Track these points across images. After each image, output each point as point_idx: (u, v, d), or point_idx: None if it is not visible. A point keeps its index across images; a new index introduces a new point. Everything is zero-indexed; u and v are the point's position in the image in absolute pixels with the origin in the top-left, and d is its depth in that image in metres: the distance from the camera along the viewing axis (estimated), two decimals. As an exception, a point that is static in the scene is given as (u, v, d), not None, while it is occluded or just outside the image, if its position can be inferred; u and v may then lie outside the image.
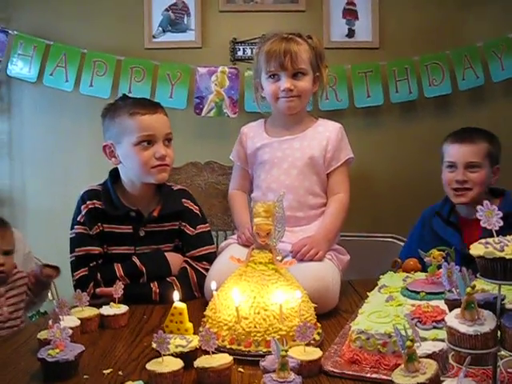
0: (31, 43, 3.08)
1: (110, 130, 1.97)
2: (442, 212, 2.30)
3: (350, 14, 3.19)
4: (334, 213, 2.04)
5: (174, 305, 1.44)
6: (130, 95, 2.14)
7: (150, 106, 1.97)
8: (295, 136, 2.08)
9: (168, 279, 1.91)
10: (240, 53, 3.15)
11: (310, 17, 3.17)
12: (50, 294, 2.51)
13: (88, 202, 1.97)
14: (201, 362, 1.27)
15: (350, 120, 2.98)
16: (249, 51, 3.14)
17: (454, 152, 2.25)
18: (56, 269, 1.94)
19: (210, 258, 1.97)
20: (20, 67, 3.11)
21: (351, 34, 3.19)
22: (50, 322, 1.46)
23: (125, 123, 1.92)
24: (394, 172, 3.19)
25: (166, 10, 3.17)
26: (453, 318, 1.03)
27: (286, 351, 1.19)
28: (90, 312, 1.64)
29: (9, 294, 1.91)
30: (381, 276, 1.78)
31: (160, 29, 3.18)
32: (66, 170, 3.29)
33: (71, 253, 1.96)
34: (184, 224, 2.01)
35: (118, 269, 1.90)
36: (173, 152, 1.99)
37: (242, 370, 1.34)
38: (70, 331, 1.35)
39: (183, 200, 2.05)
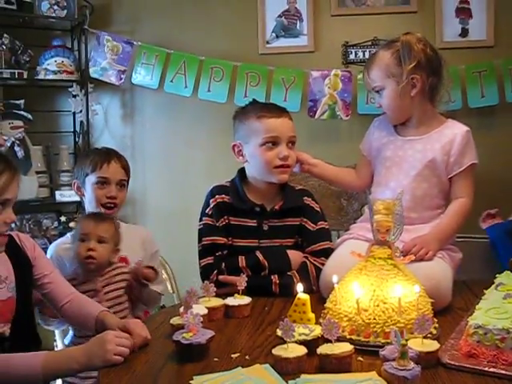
0: (153, 53, 3.28)
1: (239, 131, 2.11)
2: None
3: (464, 12, 3.16)
4: (452, 215, 2.04)
5: (298, 296, 1.53)
6: (258, 100, 2.26)
7: (276, 110, 2.10)
8: (419, 137, 2.09)
9: (288, 273, 2.01)
10: (352, 56, 3.21)
11: (422, 17, 3.17)
12: (170, 287, 2.68)
13: (217, 196, 2.11)
14: (323, 349, 1.34)
15: (463, 121, 2.93)
16: (361, 54, 3.19)
17: None
18: (154, 271, 2.06)
19: (328, 254, 2.04)
20: (143, 75, 3.33)
21: (464, 33, 3.16)
22: (181, 309, 1.59)
23: (252, 125, 2.05)
24: (510, 174, 3.12)
25: (279, 16, 3.28)
26: None
27: (407, 340, 1.24)
28: (216, 302, 1.75)
29: (106, 289, 1.99)
30: (497, 275, 1.77)
31: (273, 34, 3.29)
32: (184, 170, 3.47)
33: (199, 242, 2.10)
34: (305, 220, 2.11)
35: (242, 260, 2.01)
36: (295, 154, 2.10)
37: (361, 359, 1.40)
38: (202, 317, 1.47)
39: (304, 198, 2.15)
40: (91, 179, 2.18)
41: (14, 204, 1.57)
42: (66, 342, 2.12)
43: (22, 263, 1.68)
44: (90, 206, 2.21)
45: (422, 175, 2.05)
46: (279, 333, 1.39)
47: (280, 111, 2.09)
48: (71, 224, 3.30)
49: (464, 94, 3.04)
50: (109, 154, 2.23)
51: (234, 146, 2.11)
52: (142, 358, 1.46)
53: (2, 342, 1.58)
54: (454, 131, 2.07)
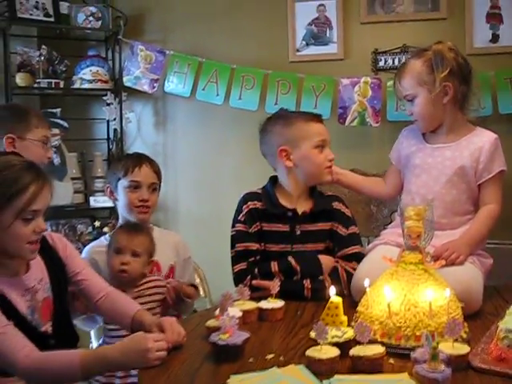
0: (185, 61, 3.35)
1: (284, 136, 2.13)
2: None
3: (495, 18, 3.14)
4: (481, 221, 2.06)
5: (331, 299, 1.57)
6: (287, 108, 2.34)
7: (317, 116, 2.20)
8: (448, 145, 2.12)
9: (320, 277, 2.04)
10: (382, 63, 3.23)
11: (452, 24, 3.17)
12: (202, 291, 2.73)
13: (249, 203, 2.16)
14: (356, 351, 1.38)
15: (493, 127, 2.93)
16: (390, 61, 3.21)
17: None
18: (196, 288, 2.12)
19: (359, 258, 2.08)
20: (175, 84, 3.40)
21: (495, 38, 3.15)
22: (217, 312, 1.64)
23: (303, 129, 2.12)
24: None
25: (309, 24, 3.32)
26: None
27: (438, 343, 1.27)
28: (250, 305, 1.80)
29: (139, 301, 1.97)
30: (528, 281, 1.79)
31: (304, 42, 3.33)
32: (215, 177, 3.53)
33: (232, 248, 2.14)
34: (336, 225, 2.15)
35: (274, 266, 2.05)
36: None
37: (392, 361, 1.43)
38: (238, 319, 1.52)
39: (335, 203, 2.19)
40: (123, 183, 2.23)
41: (45, 212, 1.61)
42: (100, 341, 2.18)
43: (55, 263, 1.74)
44: (123, 211, 2.26)
45: (451, 182, 2.08)
46: (313, 335, 1.43)
47: (320, 117, 2.20)
48: (105, 229, 3.39)
49: (494, 100, 3.03)
50: (140, 159, 2.29)
51: (282, 150, 2.13)
52: (179, 358, 1.51)
53: (47, 339, 1.64)
54: (483, 139, 2.10)
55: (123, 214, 2.27)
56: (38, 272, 1.69)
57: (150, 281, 2.08)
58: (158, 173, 2.30)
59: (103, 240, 2.27)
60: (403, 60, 3.07)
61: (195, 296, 2.12)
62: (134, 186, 2.22)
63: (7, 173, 1.54)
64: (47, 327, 1.67)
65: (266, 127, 2.20)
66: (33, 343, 1.50)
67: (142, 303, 1.98)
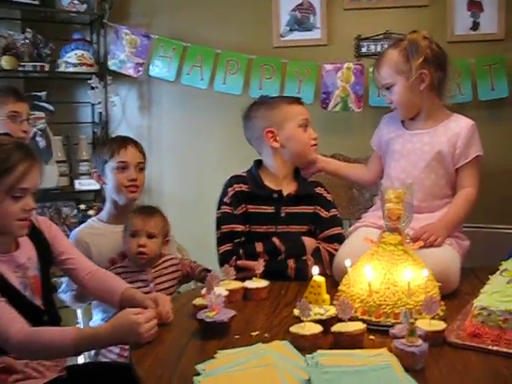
0: (170, 46, 3.38)
1: (269, 118, 2.20)
2: None
3: (475, 6, 3.20)
4: (459, 204, 2.13)
5: (314, 278, 1.64)
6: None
7: (297, 98, 2.30)
8: (426, 131, 2.18)
9: (303, 257, 2.11)
10: (364, 49, 3.28)
11: (434, 11, 3.23)
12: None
13: (235, 185, 2.21)
14: (337, 327, 1.44)
15: (473, 113, 3.00)
16: (373, 47, 3.26)
17: None
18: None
19: (340, 240, 2.16)
20: (160, 68, 3.43)
21: (475, 26, 3.21)
22: (203, 290, 1.70)
23: (287, 110, 2.21)
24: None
25: (293, 10, 3.35)
26: None
27: (415, 319, 1.34)
28: (236, 285, 1.85)
29: (158, 280, 2.11)
30: (502, 262, 1.86)
31: (287, 28, 3.37)
32: (199, 160, 3.58)
33: (217, 230, 2.20)
34: (319, 208, 2.22)
35: (259, 246, 2.12)
36: None
37: (372, 337, 1.50)
38: (224, 298, 1.57)
39: (317, 188, 2.27)
40: (111, 165, 2.27)
41: (35, 193, 1.67)
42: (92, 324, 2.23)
43: (41, 244, 1.79)
44: (112, 193, 2.30)
45: (430, 166, 2.14)
46: (296, 312, 1.50)
47: (299, 99, 2.29)
48: (90, 212, 3.42)
49: (474, 87, 3.10)
50: (125, 140, 2.34)
51: (268, 132, 2.19)
52: (168, 335, 1.56)
53: (40, 315, 1.69)
54: (460, 124, 2.17)
55: (112, 196, 2.30)
56: (27, 250, 1.73)
57: (166, 260, 2.17)
58: (143, 153, 2.35)
59: (91, 222, 2.31)
60: (385, 46, 3.12)
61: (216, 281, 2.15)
62: (122, 167, 2.26)
63: None
64: (39, 303, 1.71)
65: (250, 113, 2.25)
66: (27, 318, 1.55)
67: (161, 282, 2.11)
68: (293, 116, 2.20)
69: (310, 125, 2.23)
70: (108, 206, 2.32)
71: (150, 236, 2.11)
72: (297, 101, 2.26)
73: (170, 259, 2.19)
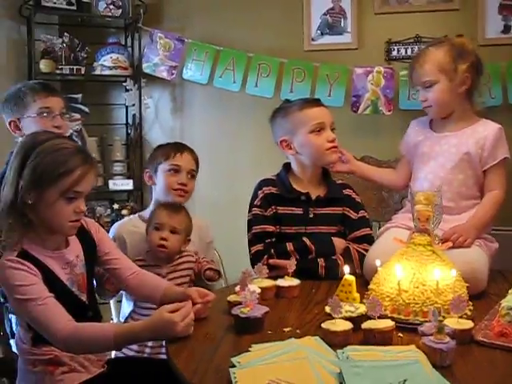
0: (203, 49, 3.44)
1: (283, 126, 2.27)
2: None
3: (507, 9, 3.19)
4: (487, 206, 2.17)
5: (345, 277, 1.69)
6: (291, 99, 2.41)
7: (313, 101, 2.31)
8: (454, 133, 2.23)
9: (333, 257, 2.16)
10: (395, 53, 3.31)
11: (464, 15, 3.23)
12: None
13: (264, 188, 2.28)
14: (367, 324, 1.49)
15: (503, 116, 3.02)
16: (403, 51, 3.28)
17: None
18: (218, 273, 2.22)
19: (369, 240, 2.21)
20: (193, 71, 3.49)
21: (507, 29, 3.20)
22: (237, 288, 1.76)
23: (297, 117, 2.23)
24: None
25: (324, 14, 3.39)
26: None
27: (444, 317, 1.38)
28: (268, 283, 1.91)
29: (170, 276, 2.13)
30: (531, 264, 1.89)
31: (319, 32, 3.41)
32: (231, 162, 3.64)
33: (248, 232, 2.26)
34: (347, 209, 2.26)
35: (289, 246, 2.17)
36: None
37: (401, 335, 1.54)
38: (258, 294, 1.63)
39: (346, 190, 2.32)
40: (164, 167, 2.33)
41: (87, 196, 1.74)
42: (122, 319, 2.30)
43: (88, 244, 1.86)
44: (160, 194, 2.35)
45: (457, 167, 2.19)
46: (328, 309, 1.55)
47: (317, 101, 2.30)
48: (123, 211, 3.50)
49: (504, 90, 3.10)
50: (182, 146, 2.41)
51: (282, 141, 2.27)
52: (203, 330, 1.62)
53: (86, 310, 1.78)
54: (488, 128, 2.21)
55: (159, 197, 2.35)
56: (75, 249, 1.81)
57: (182, 256, 2.20)
58: (197, 161, 2.41)
59: (132, 218, 2.38)
60: (416, 50, 3.16)
61: (216, 280, 2.22)
62: (175, 170, 2.32)
63: (57, 154, 1.65)
64: (85, 299, 1.79)
65: (272, 119, 2.33)
66: (74, 313, 1.63)
67: (173, 278, 2.13)
68: (304, 122, 2.22)
69: (326, 127, 2.23)
70: (152, 207, 2.39)
71: (173, 231, 2.16)
72: (310, 103, 2.26)
73: (187, 256, 2.22)
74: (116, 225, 2.40)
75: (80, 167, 1.67)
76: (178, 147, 2.38)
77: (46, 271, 1.67)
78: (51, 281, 1.67)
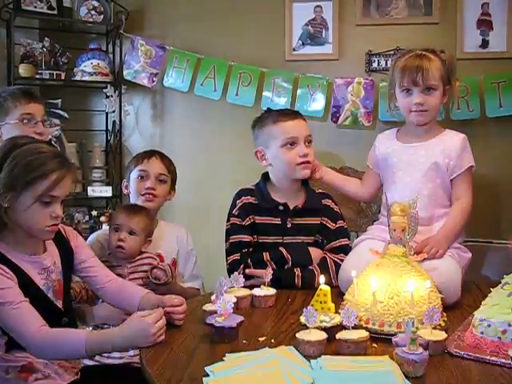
0: (184, 57, 3.44)
1: (259, 138, 2.29)
2: None
3: (485, 24, 3.22)
4: (455, 215, 2.18)
5: (320, 287, 1.69)
6: (272, 108, 2.42)
7: (290, 113, 2.30)
8: (421, 144, 2.24)
9: (310, 267, 2.17)
10: (375, 64, 3.32)
11: (444, 29, 3.25)
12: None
13: (243, 198, 2.29)
14: (342, 334, 1.50)
15: (480, 130, 3.07)
16: (383, 63, 3.30)
17: None
18: (165, 273, 2.16)
19: (346, 250, 2.22)
20: (174, 78, 3.48)
21: (485, 44, 3.23)
22: (213, 297, 1.75)
23: (271, 130, 2.24)
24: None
25: (306, 24, 3.40)
26: None
27: (417, 328, 1.39)
28: (244, 292, 1.91)
29: (131, 276, 2.14)
30: (505, 276, 1.90)
31: (300, 42, 3.42)
32: (210, 170, 3.63)
33: (226, 241, 2.27)
34: (326, 219, 2.28)
35: (266, 255, 2.18)
36: (313, 152, 2.28)
37: (375, 345, 1.55)
38: (233, 304, 1.62)
39: (325, 199, 2.33)
40: (134, 174, 2.36)
41: (63, 201, 1.73)
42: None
43: (66, 251, 1.86)
44: (133, 201, 2.37)
45: (426, 176, 2.20)
46: (302, 319, 1.55)
47: (294, 114, 2.29)
48: (102, 218, 3.48)
49: (482, 103, 3.13)
50: (151, 152, 2.42)
51: (257, 152, 2.29)
52: (178, 338, 1.62)
53: (61, 316, 1.76)
54: (454, 137, 2.24)
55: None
56: (53, 255, 1.80)
57: (143, 258, 2.21)
58: (168, 166, 2.40)
59: (107, 229, 2.38)
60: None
61: (160, 278, 2.14)
62: (142, 176, 2.33)
63: (33, 159, 1.65)
64: (61, 306, 1.78)
65: (252, 128, 2.34)
66: (48, 318, 1.62)
67: (134, 278, 2.13)
68: (276, 135, 2.22)
69: (300, 141, 2.22)
70: None
71: (131, 232, 2.17)
72: (285, 117, 2.25)
73: (148, 258, 2.22)
74: (94, 234, 2.40)
75: (56, 171, 1.66)
76: (147, 153, 2.40)
77: (22, 275, 1.66)
78: (27, 285, 1.65)
